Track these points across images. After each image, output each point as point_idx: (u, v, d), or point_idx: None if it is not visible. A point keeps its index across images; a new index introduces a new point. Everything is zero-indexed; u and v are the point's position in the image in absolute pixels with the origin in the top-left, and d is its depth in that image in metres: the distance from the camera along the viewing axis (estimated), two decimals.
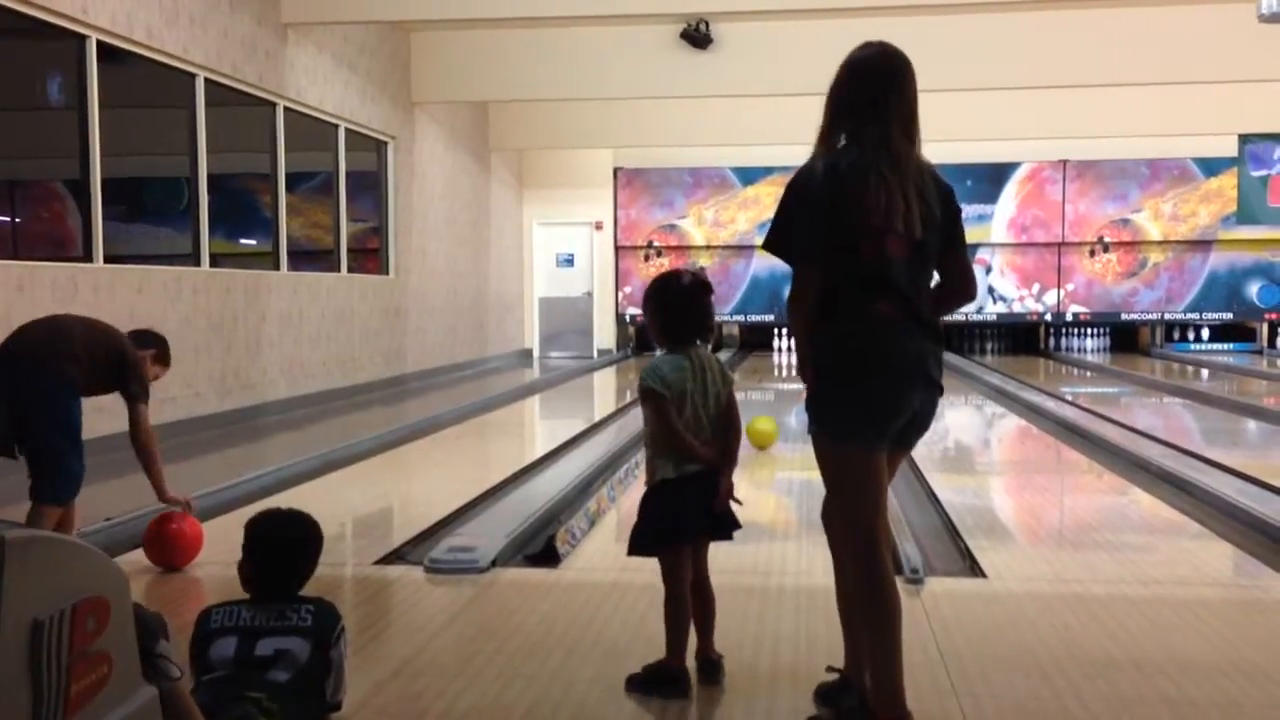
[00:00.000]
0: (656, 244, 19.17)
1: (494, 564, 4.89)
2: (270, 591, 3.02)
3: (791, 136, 13.10)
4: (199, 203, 9.60)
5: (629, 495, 6.77)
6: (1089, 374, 16.73)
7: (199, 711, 2.50)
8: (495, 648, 3.88)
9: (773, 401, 12.72)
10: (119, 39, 8.42)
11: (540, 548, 5.35)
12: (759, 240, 18.30)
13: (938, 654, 3.77)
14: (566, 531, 5.91)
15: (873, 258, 2.99)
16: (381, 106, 13.06)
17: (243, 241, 11.33)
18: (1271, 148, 17.05)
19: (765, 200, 18.63)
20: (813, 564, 4.71)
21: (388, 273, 13.54)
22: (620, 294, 19.22)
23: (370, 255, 13.43)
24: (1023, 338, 20.10)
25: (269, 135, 10.91)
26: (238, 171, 11.16)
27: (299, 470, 7.42)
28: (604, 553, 5.44)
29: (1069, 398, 12.42)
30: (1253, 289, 18.79)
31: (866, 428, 3.02)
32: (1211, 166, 18.28)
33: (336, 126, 12.17)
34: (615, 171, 19.08)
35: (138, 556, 4.89)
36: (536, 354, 19.04)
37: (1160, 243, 18.78)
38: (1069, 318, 19.21)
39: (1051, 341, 20.00)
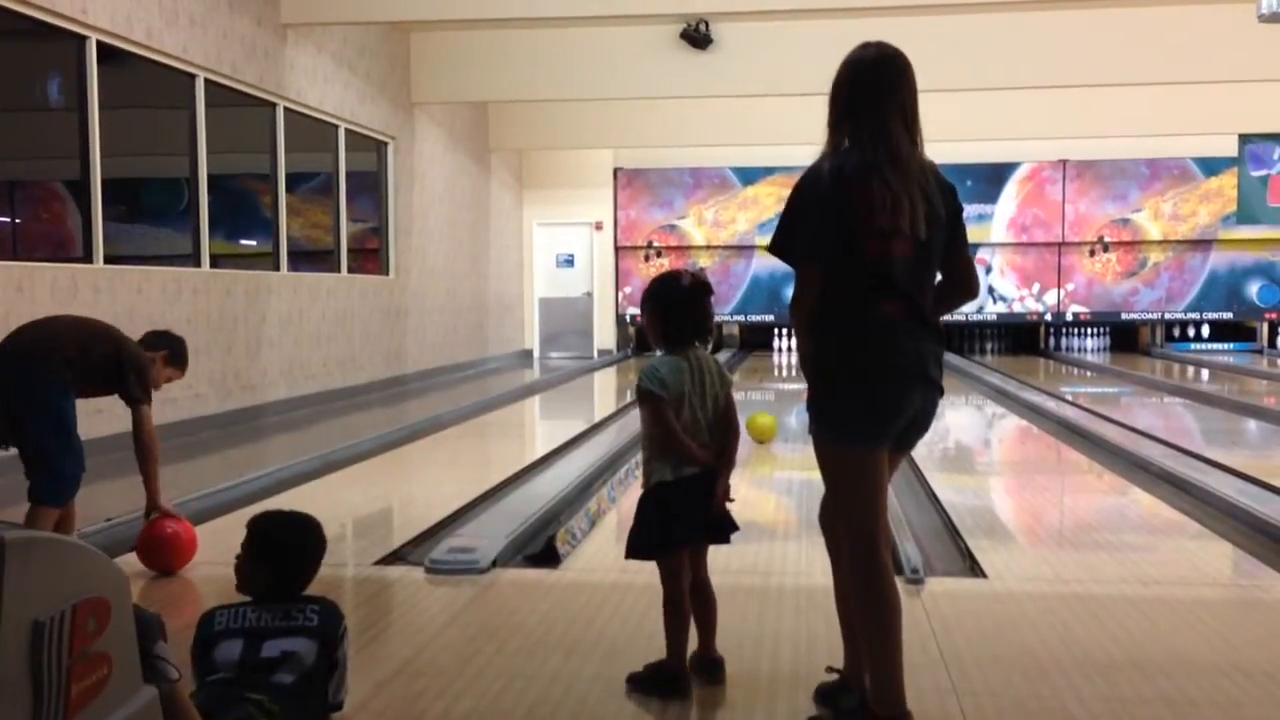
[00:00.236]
0: (656, 244, 19.17)
1: (494, 564, 4.89)
2: (274, 593, 3.02)
3: (792, 136, 13.16)
4: (199, 203, 9.60)
5: (629, 496, 6.77)
6: (1089, 374, 16.72)
7: (197, 713, 2.50)
8: (495, 648, 3.88)
9: (773, 401, 12.72)
10: (119, 40, 8.42)
11: (540, 548, 5.35)
12: (759, 240, 18.44)
13: (938, 654, 3.77)
14: (567, 532, 5.91)
15: (878, 258, 2.99)
16: (381, 107, 13.06)
17: (243, 242, 11.33)
18: (1271, 147, 17.05)
19: (765, 200, 18.64)
20: (813, 564, 4.71)
21: (388, 273, 13.54)
22: (620, 294, 19.22)
23: (370, 256, 13.43)
24: (1023, 337, 20.10)
25: (269, 136, 10.91)
26: (238, 172, 11.16)
27: (299, 471, 7.42)
28: (604, 553, 5.44)
29: (1069, 398, 12.42)
30: (1253, 289, 18.79)
31: (868, 428, 3.03)
32: (1211, 166, 18.28)
33: (336, 127, 12.17)
34: (615, 172, 19.09)
35: (137, 557, 4.88)
36: (536, 354, 19.04)
37: (1160, 242, 18.79)
38: (1069, 317, 19.21)
39: (1052, 341, 20.00)
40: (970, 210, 17.56)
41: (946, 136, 13.73)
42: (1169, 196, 18.61)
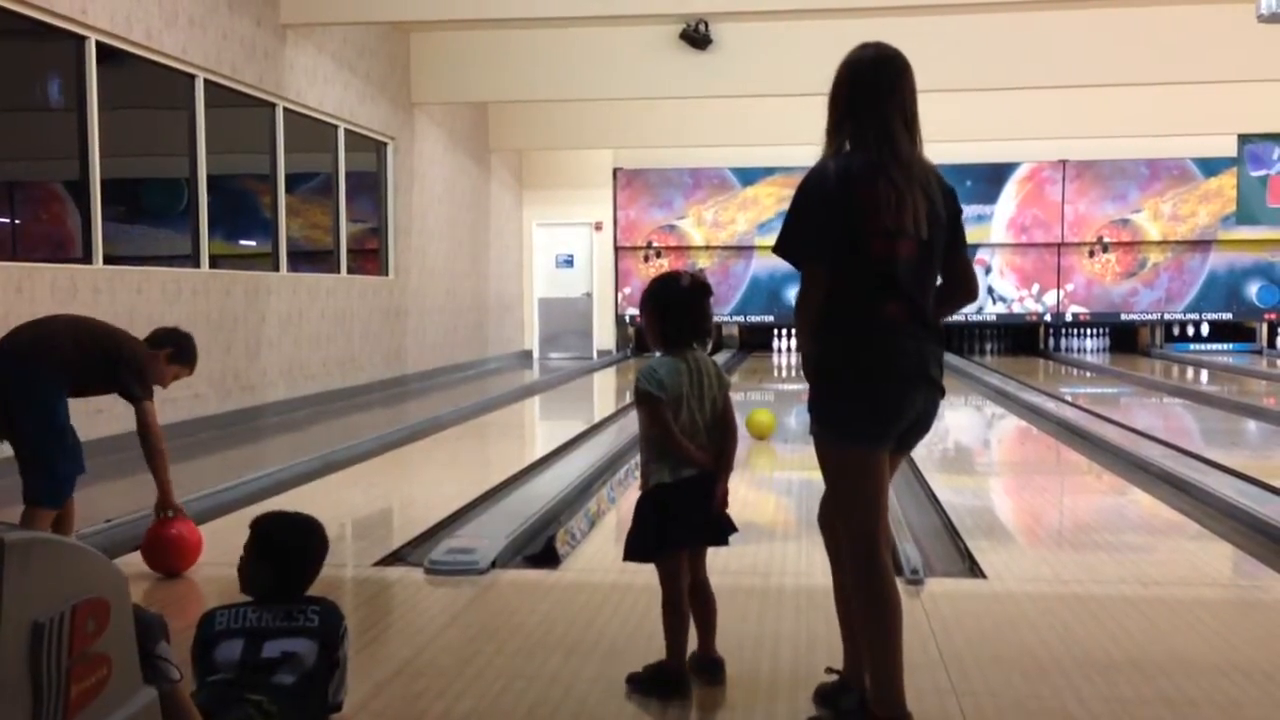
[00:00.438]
0: (656, 244, 19.17)
1: (494, 565, 4.89)
2: (275, 593, 3.02)
3: (791, 137, 13.17)
4: (198, 204, 9.60)
5: (629, 496, 6.75)
6: (1089, 374, 16.73)
7: (198, 714, 2.50)
8: (495, 649, 3.88)
9: (772, 402, 12.72)
10: (118, 40, 8.42)
11: (540, 549, 5.36)
12: (759, 241, 18.45)
13: (937, 654, 3.77)
14: (566, 532, 5.92)
15: (882, 258, 2.99)
16: (381, 107, 13.06)
17: (242, 242, 11.33)
18: (1271, 148, 17.05)
19: (765, 201, 18.64)
20: (812, 564, 4.71)
21: (387, 274, 13.54)
22: (620, 295, 19.22)
23: (370, 256, 13.43)
24: (1022, 338, 20.10)
25: (268, 136, 10.91)
26: (237, 172, 11.16)
27: (299, 471, 7.42)
28: (604, 554, 5.44)
29: (1069, 398, 12.43)
30: (1252, 289, 18.79)
31: (870, 429, 3.03)
32: (1211, 166, 18.28)
33: (336, 127, 12.17)
34: (615, 172, 19.09)
35: (138, 558, 4.87)
36: (536, 355, 19.04)
37: (1160, 243, 18.79)
38: (1068, 318, 19.21)
39: (1051, 342, 20.00)
40: (970, 210, 17.64)
41: (946, 136, 13.74)
42: (1168, 197, 18.62)
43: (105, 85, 8.29)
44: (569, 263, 19.22)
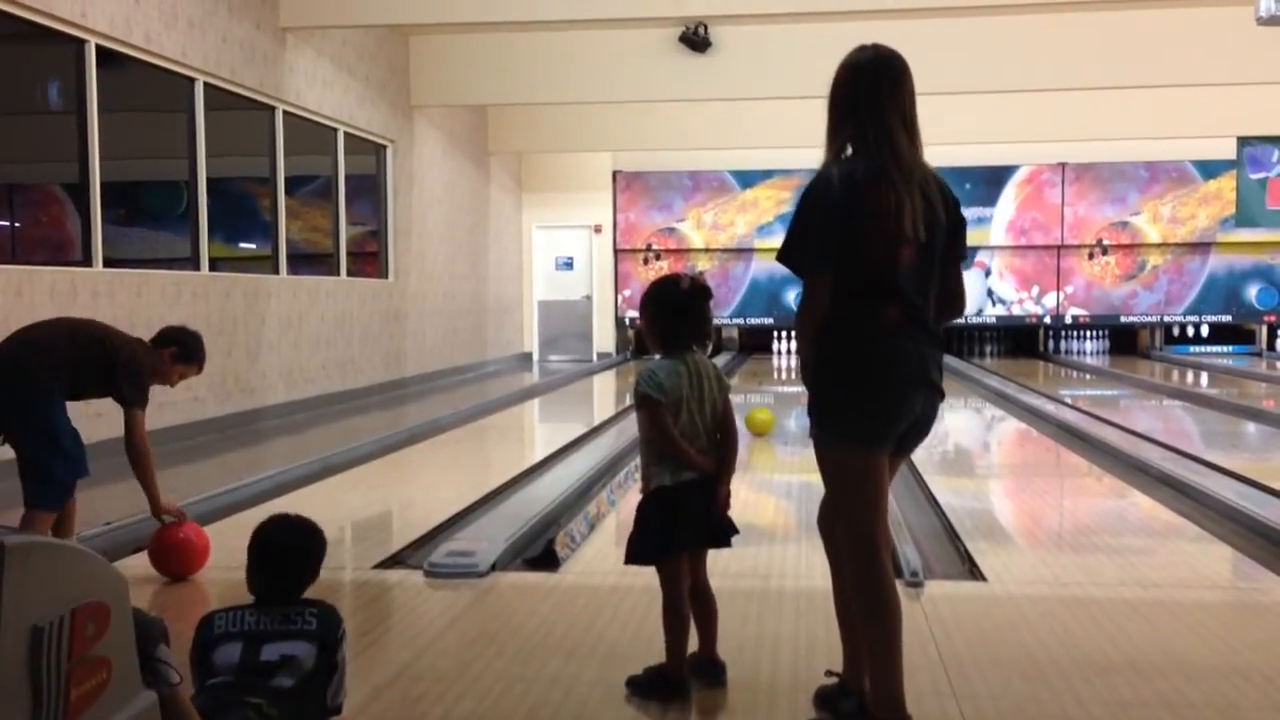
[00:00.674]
0: (655, 247, 19.17)
1: (493, 568, 4.88)
2: (273, 596, 3.02)
3: (790, 140, 13.18)
4: (198, 207, 9.60)
5: (628, 499, 6.76)
6: (1088, 376, 16.73)
7: (198, 717, 2.50)
8: (495, 652, 3.88)
9: (772, 404, 12.71)
10: (118, 43, 8.42)
11: (540, 551, 5.36)
12: (758, 243, 18.47)
13: (937, 657, 3.77)
14: (566, 535, 5.91)
15: (884, 264, 2.99)
16: (380, 110, 13.07)
17: (242, 245, 11.33)
18: (1270, 150, 17.05)
19: (764, 203, 18.65)
20: (812, 567, 4.71)
21: (387, 276, 13.54)
22: (619, 297, 19.23)
23: (369, 259, 13.43)
24: (1022, 340, 20.10)
25: (268, 139, 10.92)
26: (237, 175, 11.16)
27: (298, 474, 7.42)
28: (603, 556, 5.44)
29: (1068, 400, 12.43)
30: (1251, 291, 18.80)
31: (870, 431, 3.03)
32: (1210, 169, 18.29)
33: (335, 130, 12.18)
34: (614, 175, 19.09)
35: (138, 561, 4.87)
36: (536, 357, 19.04)
37: (1159, 245, 18.80)
38: (1068, 320, 19.22)
39: (1051, 344, 20.00)
40: (969, 213, 17.25)
41: (945, 139, 13.75)
42: (1168, 199, 18.63)
43: (105, 88, 8.30)
44: (568, 265, 19.22)
